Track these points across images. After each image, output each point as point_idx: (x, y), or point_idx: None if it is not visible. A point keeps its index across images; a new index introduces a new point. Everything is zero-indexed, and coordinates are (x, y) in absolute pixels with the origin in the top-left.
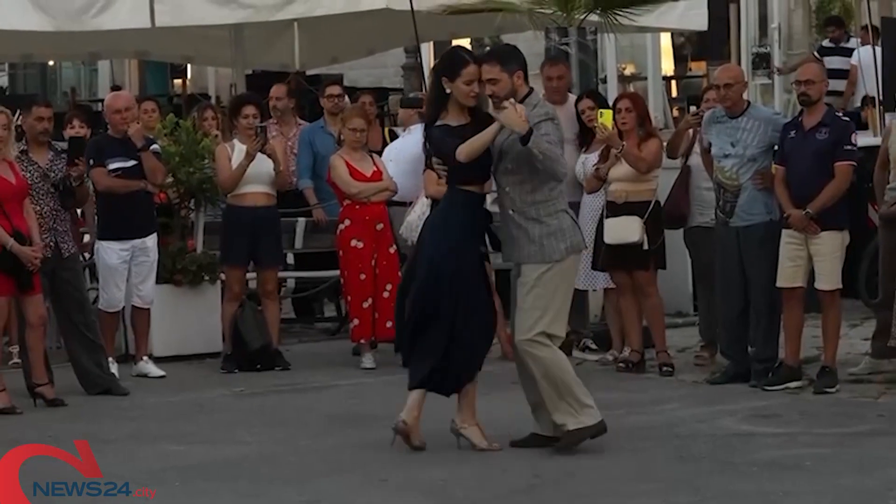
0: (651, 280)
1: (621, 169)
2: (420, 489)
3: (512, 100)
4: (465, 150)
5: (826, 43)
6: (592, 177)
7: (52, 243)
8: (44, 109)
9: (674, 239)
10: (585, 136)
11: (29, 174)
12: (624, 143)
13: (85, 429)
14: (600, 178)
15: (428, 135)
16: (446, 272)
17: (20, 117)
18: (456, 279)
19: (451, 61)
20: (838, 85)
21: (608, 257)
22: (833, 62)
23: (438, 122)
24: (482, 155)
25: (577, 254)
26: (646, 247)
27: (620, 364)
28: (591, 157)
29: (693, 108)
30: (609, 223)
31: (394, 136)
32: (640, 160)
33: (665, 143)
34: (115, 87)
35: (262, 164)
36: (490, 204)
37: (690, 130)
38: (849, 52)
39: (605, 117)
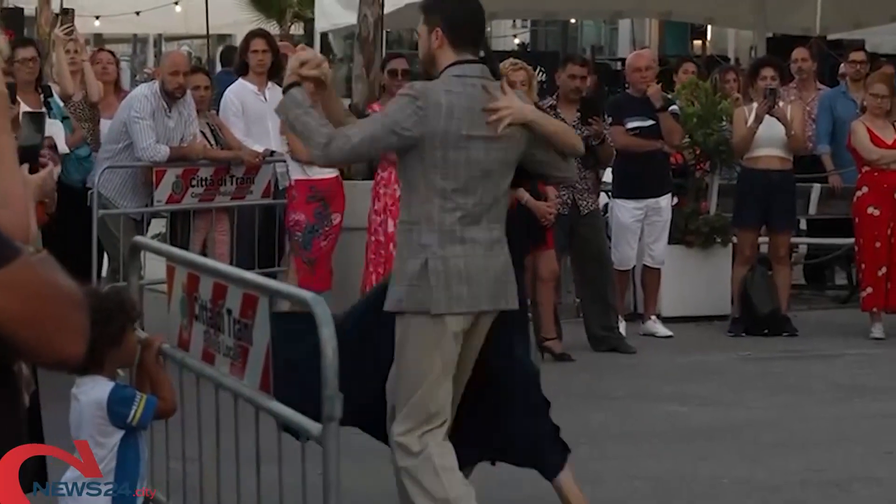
0: None
1: None
2: None
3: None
4: None
5: None
6: None
7: (569, 200)
8: (578, 68)
9: None
10: None
11: None
12: None
13: (590, 385)
14: None
15: None
16: None
17: (540, 73)
18: None
19: None
20: None
21: None
22: None
23: None
24: None
25: (424, 315)
26: None
27: None
28: None
29: None
30: None
31: None
32: None
33: None
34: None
35: (775, 128)
36: None
37: None
38: None
39: None
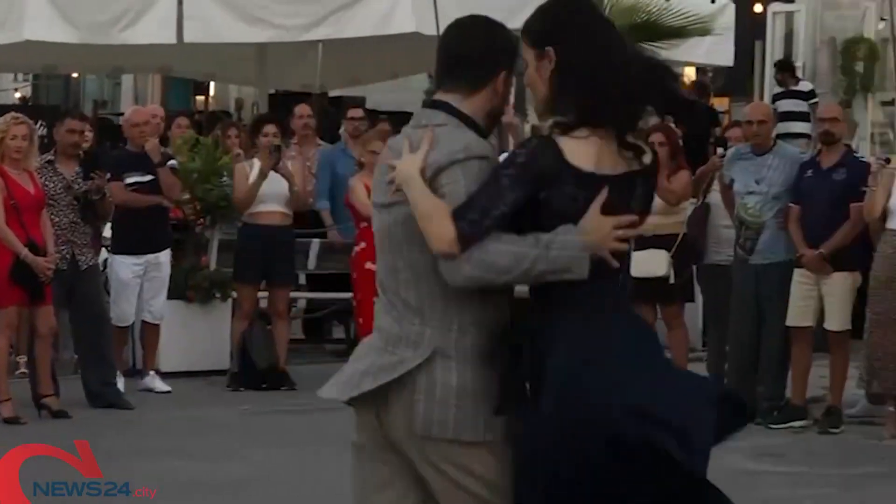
0: (677, 313)
1: None
2: None
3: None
4: None
5: (777, 88)
6: None
7: (68, 255)
8: (77, 122)
9: None
10: None
11: (52, 184)
12: None
13: (88, 442)
14: None
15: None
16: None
17: (41, 127)
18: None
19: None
20: (791, 127)
21: (635, 291)
22: (785, 105)
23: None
24: None
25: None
26: (672, 280)
27: None
28: None
29: (720, 150)
30: (636, 256)
31: None
32: (670, 192)
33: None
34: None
35: (277, 184)
36: None
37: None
38: (801, 95)
39: None
